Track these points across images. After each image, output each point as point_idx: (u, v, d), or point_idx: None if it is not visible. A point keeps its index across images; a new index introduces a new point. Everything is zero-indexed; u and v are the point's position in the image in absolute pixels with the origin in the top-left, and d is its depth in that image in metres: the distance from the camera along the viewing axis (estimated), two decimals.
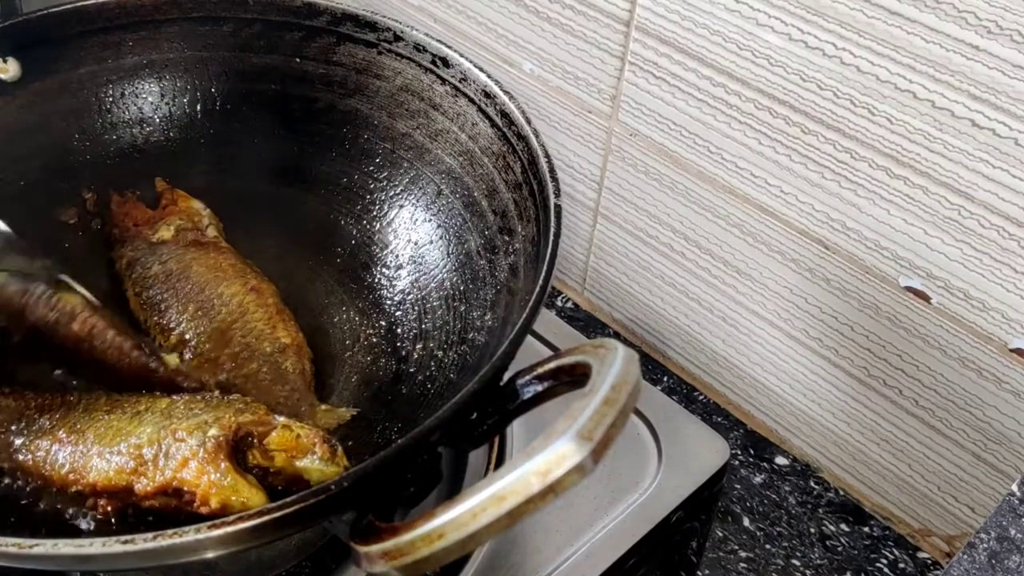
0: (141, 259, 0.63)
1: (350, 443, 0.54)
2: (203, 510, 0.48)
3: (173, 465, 0.48)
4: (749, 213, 0.65)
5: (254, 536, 0.39)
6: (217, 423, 0.49)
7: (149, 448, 0.49)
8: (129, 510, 0.50)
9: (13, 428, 0.53)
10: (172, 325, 0.60)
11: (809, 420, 0.70)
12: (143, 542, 0.37)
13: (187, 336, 0.59)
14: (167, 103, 0.69)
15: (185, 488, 0.48)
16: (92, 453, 0.50)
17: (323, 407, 0.57)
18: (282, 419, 0.51)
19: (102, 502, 0.50)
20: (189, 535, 0.38)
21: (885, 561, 0.67)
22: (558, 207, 0.51)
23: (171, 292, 0.61)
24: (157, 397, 0.53)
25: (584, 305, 0.84)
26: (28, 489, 0.52)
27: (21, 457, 0.52)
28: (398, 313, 0.64)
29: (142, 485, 0.49)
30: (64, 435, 0.51)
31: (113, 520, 0.50)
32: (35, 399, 0.54)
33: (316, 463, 0.49)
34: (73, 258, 0.64)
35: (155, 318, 0.60)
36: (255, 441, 0.49)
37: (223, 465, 0.48)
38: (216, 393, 0.54)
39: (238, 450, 0.49)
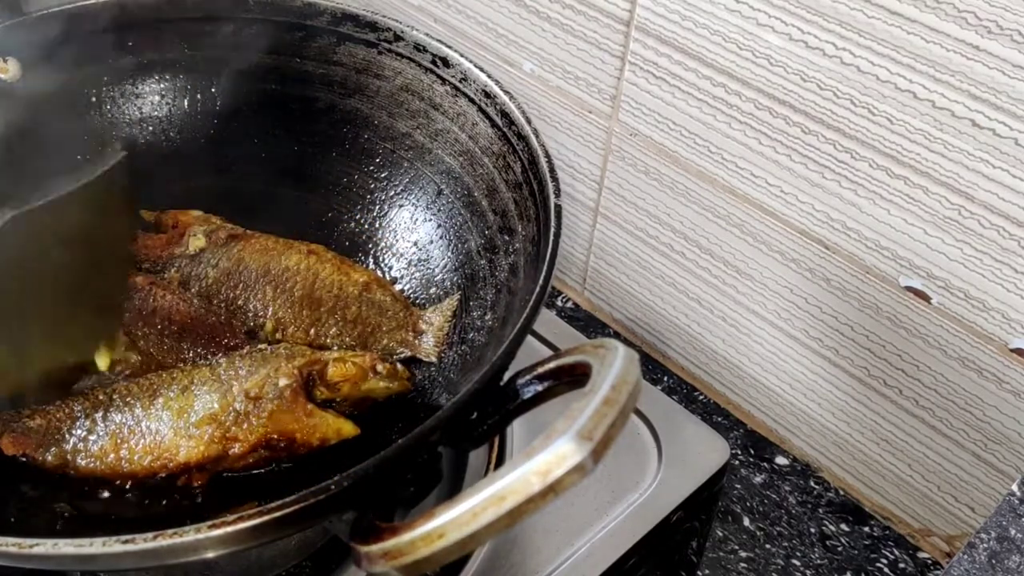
0: (192, 273, 0.63)
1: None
2: (302, 451, 0.52)
3: (262, 420, 0.51)
4: (749, 213, 0.65)
5: (254, 536, 0.39)
6: (280, 373, 0.52)
7: (226, 414, 0.51)
8: (222, 474, 0.53)
9: (57, 444, 0.52)
10: (260, 313, 0.61)
11: (809, 420, 0.70)
12: (143, 542, 0.37)
13: (280, 315, 0.61)
14: (167, 103, 0.69)
15: (280, 437, 0.51)
16: (167, 436, 0.52)
17: (429, 311, 0.61)
18: (332, 353, 0.54)
19: (196, 476, 0.52)
20: (189, 535, 0.38)
21: (885, 561, 0.67)
22: (558, 207, 0.51)
23: (240, 286, 0.62)
24: (188, 370, 0.55)
25: (584, 305, 0.84)
26: (37, 493, 0.52)
27: (89, 464, 0.52)
28: None
29: (236, 448, 0.51)
30: (123, 431, 0.52)
31: (200, 496, 0.53)
32: (57, 411, 0.54)
33: (381, 382, 0.54)
34: None
35: (239, 315, 0.61)
36: (316, 379, 0.53)
37: (308, 407, 0.52)
38: (246, 349, 0.57)
39: (307, 390, 0.53)
